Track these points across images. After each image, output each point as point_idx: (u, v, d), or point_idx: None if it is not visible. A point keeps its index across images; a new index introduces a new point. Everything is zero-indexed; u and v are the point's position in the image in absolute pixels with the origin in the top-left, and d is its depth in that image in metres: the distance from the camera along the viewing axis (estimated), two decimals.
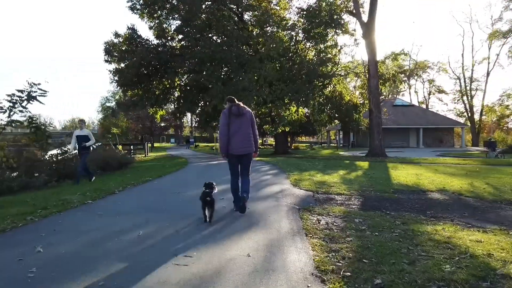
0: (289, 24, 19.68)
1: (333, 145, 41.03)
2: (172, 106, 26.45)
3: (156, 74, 19.26)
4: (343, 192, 6.04)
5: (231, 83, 17.24)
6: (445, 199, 5.60)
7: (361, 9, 18.57)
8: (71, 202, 5.16)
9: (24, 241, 3.28)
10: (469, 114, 45.22)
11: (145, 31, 52.52)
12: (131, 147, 21.98)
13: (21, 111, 7.85)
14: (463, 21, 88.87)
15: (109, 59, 18.71)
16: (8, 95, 7.64)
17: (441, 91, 52.80)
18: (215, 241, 3.21)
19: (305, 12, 18.61)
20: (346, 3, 19.26)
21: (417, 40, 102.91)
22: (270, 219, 4.08)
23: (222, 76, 18.39)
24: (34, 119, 8.66)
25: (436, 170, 10.16)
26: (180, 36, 19.75)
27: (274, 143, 29.75)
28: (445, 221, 4.11)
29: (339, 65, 20.38)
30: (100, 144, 15.90)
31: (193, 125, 52.36)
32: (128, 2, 18.64)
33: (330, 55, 19.60)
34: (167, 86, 20.56)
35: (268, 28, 19.56)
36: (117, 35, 18.86)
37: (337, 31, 18.74)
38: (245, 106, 4.53)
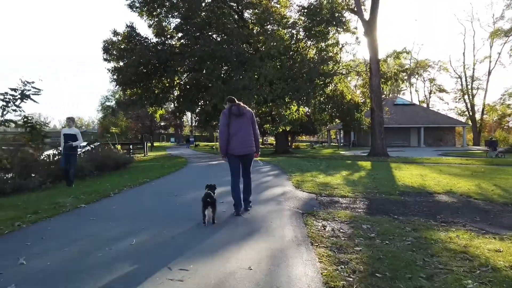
0: (289, 22, 19.42)
1: (333, 144, 40.81)
2: (172, 105, 26.21)
3: (156, 72, 18.97)
4: (347, 195, 5.81)
5: (231, 81, 17.01)
6: (453, 202, 5.38)
7: (362, 7, 18.35)
8: (63, 206, 4.93)
9: (7, 251, 3.04)
10: (470, 113, 44.91)
11: (144, 29, 52.06)
12: (130, 146, 21.77)
13: (14, 110, 7.66)
14: (465, 20, 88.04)
15: (108, 58, 18.45)
16: (1, 94, 7.46)
17: (442, 90, 52.45)
18: (214, 251, 2.98)
19: (306, 10, 18.38)
20: (347, 0, 19.01)
21: (418, 39, 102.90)
22: (272, 225, 3.86)
23: (222, 75, 18.12)
24: (29, 118, 8.47)
25: (441, 171, 9.93)
26: (180, 34, 19.44)
27: (274, 142, 29.53)
28: (457, 226, 3.90)
29: (340, 64, 20.18)
30: (98, 143, 15.69)
31: (193, 124, 52.09)
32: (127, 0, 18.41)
33: (331, 53, 19.37)
34: (167, 85, 20.28)
35: (268, 26, 19.28)
36: (115, 33, 18.53)
37: (339, 29, 18.49)
38: (245, 106, 4.48)
